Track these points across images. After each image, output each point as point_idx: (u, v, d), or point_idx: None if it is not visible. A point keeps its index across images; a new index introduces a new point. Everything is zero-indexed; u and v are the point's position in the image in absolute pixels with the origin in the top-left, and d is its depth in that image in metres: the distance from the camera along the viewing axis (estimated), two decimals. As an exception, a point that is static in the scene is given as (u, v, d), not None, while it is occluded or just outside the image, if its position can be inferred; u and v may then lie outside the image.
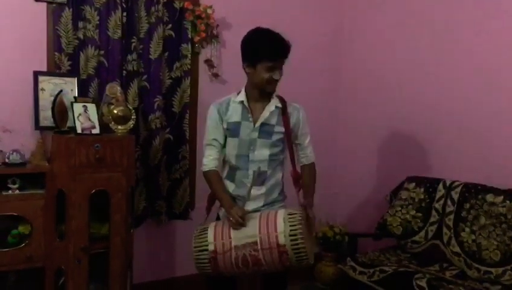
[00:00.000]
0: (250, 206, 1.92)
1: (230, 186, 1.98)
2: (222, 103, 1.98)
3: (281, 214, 1.81)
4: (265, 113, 1.93)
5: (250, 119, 1.93)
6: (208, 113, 2.00)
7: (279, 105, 1.96)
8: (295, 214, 1.79)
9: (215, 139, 1.97)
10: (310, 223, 1.89)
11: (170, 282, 3.02)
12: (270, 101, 1.95)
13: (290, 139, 1.98)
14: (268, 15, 3.06)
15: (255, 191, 1.92)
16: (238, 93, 1.98)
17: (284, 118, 1.95)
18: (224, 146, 1.99)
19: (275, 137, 1.94)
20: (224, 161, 2.03)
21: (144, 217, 2.80)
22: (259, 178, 1.92)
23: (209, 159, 1.97)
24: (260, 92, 1.93)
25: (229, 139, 1.96)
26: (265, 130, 1.93)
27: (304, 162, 2.07)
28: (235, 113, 1.95)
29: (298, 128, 2.01)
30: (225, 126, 1.95)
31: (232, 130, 1.94)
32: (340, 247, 3.17)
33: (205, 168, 1.98)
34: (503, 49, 2.56)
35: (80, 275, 2.19)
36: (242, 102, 1.94)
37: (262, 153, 1.93)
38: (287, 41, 1.88)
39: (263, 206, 1.95)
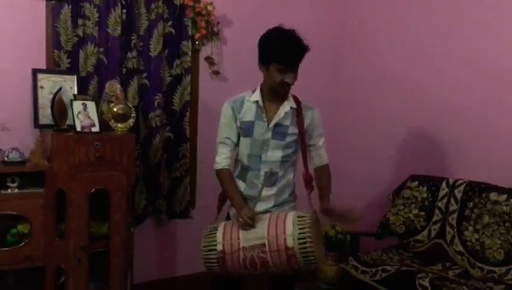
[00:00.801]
0: (260, 207, 1.90)
1: (242, 186, 1.97)
2: (236, 101, 1.95)
3: (291, 216, 1.79)
4: (280, 114, 1.90)
5: (264, 119, 1.91)
6: (221, 111, 1.97)
7: (294, 106, 1.93)
8: (304, 217, 1.78)
9: (228, 138, 1.95)
10: (345, 218, 1.85)
11: (171, 281, 3.02)
12: (284, 101, 1.92)
13: (303, 141, 1.95)
14: (268, 12, 3.05)
15: (265, 192, 1.90)
16: (253, 92, 1.95)
17: (298, 119, 1.92)
18: (237, 144, 1.97)
19: (289, 138, 1.92)
20: (236, 160, 2.01)
21: (144, 216, 2.80)
22: (271, 179, 1.91)
23: (221, 158, 1.95)
24: (273, 92, 1.90)
25: (242, 139, 1.94)
26: (279, 131, 1.91)
27: (318, 163, 2.03)
28: (249, 113, 1.92)
29: (312, 130, 1.98)
30: (238, 125, 1.93)
31: (246, 130, 1.92)
32: (342, 246, 3.16)
33: (217, 167, 1.96)
34: (509, 47, 2.54)
35: (79, 275, 2.18)
36: (257, 102, 1.92)
37: (274, 154, 1.91)
38: (302, 45, 1.82)
39: (273, 207, 1.94)
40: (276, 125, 1.91)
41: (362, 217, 1.91)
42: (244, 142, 1.94)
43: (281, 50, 1.79)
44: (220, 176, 1.96)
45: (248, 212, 1.80)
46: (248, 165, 1.94)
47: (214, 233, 1.85)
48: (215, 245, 1.81)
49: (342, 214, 1.91)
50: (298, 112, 1.93)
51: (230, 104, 1.95)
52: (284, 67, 1.81)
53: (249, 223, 1.78)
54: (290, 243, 1.72)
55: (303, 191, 2.03)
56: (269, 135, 1.90)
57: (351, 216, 1.90)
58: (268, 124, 1.91)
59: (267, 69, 1.84)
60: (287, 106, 1.92)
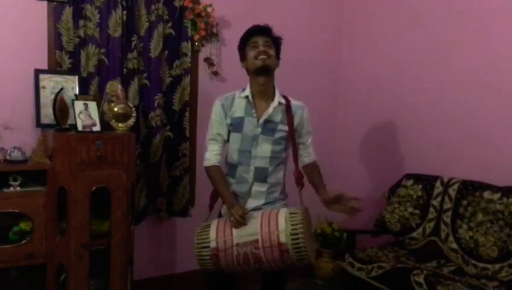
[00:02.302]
0: (251, 203, 1.93)
1: (231, 183, 1.98)
2: (227, 98, 1.99)
3: (283, 213, 1.82)
4: (269, 110, 1.94)
5: (254, 115, 1.94)
6: (212, 108, 2.00)
7: (283, 101, 1.97)
8: (296, 213, 1.80)
9: (218, 134, 1.98)
10: (345, 206, 1.87)
11: (170, 278, 3.04)
12: (273, 99, 1.96)
13: (293, 138, 1.98)
14: (267, 14, 3.07)
15: (256, 188, 1.93)
16: (243, 90, 2.00)
17: (288, 117, 1.95)
18: (227, 141, 1.99)
19: (278, 135, 1.94)
20: (226, 157, 2.03)
21: (145, 214, 2.82)
22: (261, 174, 1.93)
23: (211, 154, 1.98)
24: (258, 74, 1.92)
25: (232, 134, 1.97)
26: (268, 127, 1.94)
27: (307, 161, 2.07)
28: (239, 109, 1.96)
29: (302, 128, 2.01)
30: (229, 121, 1.96)
31: (236, 125, 1.95)
32: (339, 243, 3.19)
33: (207, 163, 1.98)
34: (501, 48, 2.58)
35: (81, 272, 2.20)
36: (247, 97, 1.95)
37: (264, 149, 1.93)
38: (265, 24, 1.95)
39: (264, 204, 1.96)
40: (266, 121, 1.94)
41: (359, 207, 1.88)
42: (234, 137, 1.96)
43: (249, 30, 1.95)
44: (209, 173, 1.97)
45: (239, 210, 1.82)
46: (238, 160, 1.96)
47: (206, 231, 1.87)
48: (209, 242, 1.83)
49: (341, 203, 1.88)
50: (288, 110, 1.96)
51: (221, 102, 1.99)
52: (254, 40, 1.91)
53: (241, 222, 1.81)
54: (282, 239, 1.74)
55: (293, 190, 2.04)
56: (259, 130, 1.93)
57: (348, 205, 1.87)
58: (258, 120, 1.94)
59: (246, 57, 1.94)
60: (275, 102, 1.95)
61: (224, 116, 1.96)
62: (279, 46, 1.98)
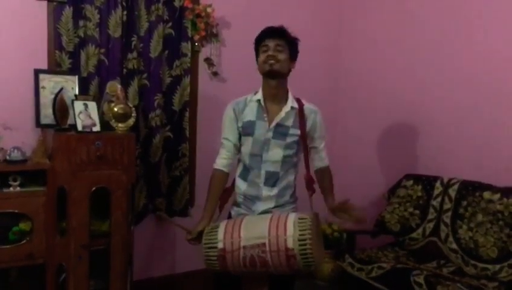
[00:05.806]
0: (260, 206, 1.93)
1: (243, 185, 1.98)
2: (239, 103, 1.98)
3: (292, 218, 1.80)
4: (281, 114, 1.92)
5: (266, 118, 1.92)
6: (224, 113, 1.99)
7: (295, 106, 1.94)
8: (305, 219, 1.78)
9: (226, 138, 1.97)
10: (350, 215, 1.87)
11: (170, 278, 3.04)
12: (286, 102, 1.94)
13: (305, 142, 1.96)
14: (267, 14, 3.08)
15: (266, 192, 1.93)
16: (255, 93, 1.98)
17: (300, 120, 1.93)
18: (240, 145, 1.98)
19: (289, 139, 1.92)
20: (238, 159, 2.03)
21: (144, 214, 2.82)
22: (271, 179, 1.93)
23: (218, 158, 1.99)
24: (275, 86, 1.91)
25: (243, 138, 1.96)
26: (280, 131, 1.92)
27: (319, 165, 2.05)
28: (250, 112, 1.94)
29: (314, 132, 1.99)
30: (240, 124, 1.95)
31: (247, 129, 1.93)
32: (339, 244, 3.19)
33: (214, 166, 1.99)
34: (500, 49, 2.58)
35: (80, 272, 2.20)
36: (259, 100, 1.93)
37: (275, 153, 1.91)
38: (281, 27, 1.92)
39: (274, 207, 1.95)
40: (278, 125, 1.92)
41: (365, 218, 1.90)
42: (246, 141, 1.95)
43: (262, 31, 1.92)
44: (211, 176, 1.99)
45: (194, 233, 1.90)
46: (250, 164, 1.95)
47: (215, 231, 1.86)
48: (216, 243, 1.81)
49: (347, 212, 1.89)
50: (300, 114, 1.94)
51: (232, 106, 1.97)
52: (265, 44, 1.88)
53: (188, 239, 1.91)
54: (290, 244, 1.73)
55: (304, 193, 2.03)
56: (270, 134, 1.91)
57: (354, 215, 1.88)
58: (269, 124, 1.92)
59: (258, 57, 1.93)
60: (288, 106, 1.93)
61: (235, 120, 1.95)
62: (294, 48, 1.95)
